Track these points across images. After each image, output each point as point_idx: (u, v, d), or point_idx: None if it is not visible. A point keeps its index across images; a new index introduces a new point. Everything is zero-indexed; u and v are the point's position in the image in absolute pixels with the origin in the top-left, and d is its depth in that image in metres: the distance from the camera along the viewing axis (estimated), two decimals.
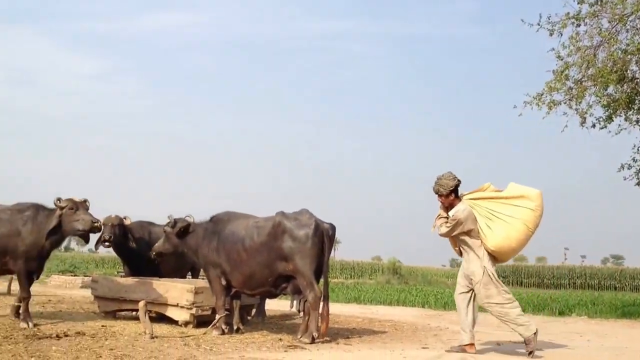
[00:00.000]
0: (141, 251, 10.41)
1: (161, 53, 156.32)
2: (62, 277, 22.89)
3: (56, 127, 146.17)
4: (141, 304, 8.47)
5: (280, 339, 8.45)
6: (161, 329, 8.84)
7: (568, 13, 12.77)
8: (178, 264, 11.05)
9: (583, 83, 12.90)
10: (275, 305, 12.94)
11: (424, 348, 8.28)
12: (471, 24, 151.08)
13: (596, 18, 12.71)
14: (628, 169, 13.95)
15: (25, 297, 8.97)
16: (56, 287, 20.55)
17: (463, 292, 7.93)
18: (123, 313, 10.35)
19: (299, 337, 8.29)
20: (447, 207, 7.86)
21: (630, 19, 12.48)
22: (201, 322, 9.20)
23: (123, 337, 7.96)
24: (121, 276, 12.78)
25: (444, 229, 7.78)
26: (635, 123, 13.52)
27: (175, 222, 9.22)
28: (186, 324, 9.25)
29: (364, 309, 15.70)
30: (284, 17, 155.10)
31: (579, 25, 12.79)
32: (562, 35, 12.98)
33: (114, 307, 10.21)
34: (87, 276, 23.18)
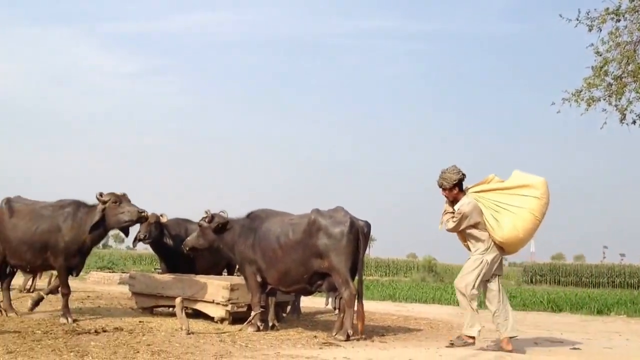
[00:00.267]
0: (178, 248, 10.49)
1: (201, 52, 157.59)
2: (100, 273, 23.21)
3: (94, 126, 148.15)
4: (178, 300, 8.54)
5: (315, 336, 8.46)
6: (197, 325, 8.91)
7: (607, 8, 12.55)
8: (214, 261, 11.11)
9: (623, 79, 12.70)
10: (310, 303, 12.98)
11: (460, 346, 8.22)
12: (506, 21, 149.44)
13: (636, 13, 12.49)
14: None
15: (65, 293, 9.08)
16: (95, 283, 20.83)
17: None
18: (160, 309, 10.44)
19: (334, 334, 8.29)
20: (452, 202, 7.85)
21: None
22: (237, 318, 9.23)
23: (160, 333, 8.04)
24: (158, 273, 12.91)
25: (451, 224, 7.77)
26: None
27: (213, 217, 9.23)
28: (222, 320, 9.30)
29: (399, 306, 15.66)
30: (323, 16, 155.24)
31: (618, 21, 12.57)
32: (601, 30, 12.77)
33: (151, 303, 10.32)
34: (124, 273, 23.47)
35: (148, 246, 11.52)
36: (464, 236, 7.91)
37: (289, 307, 10.82)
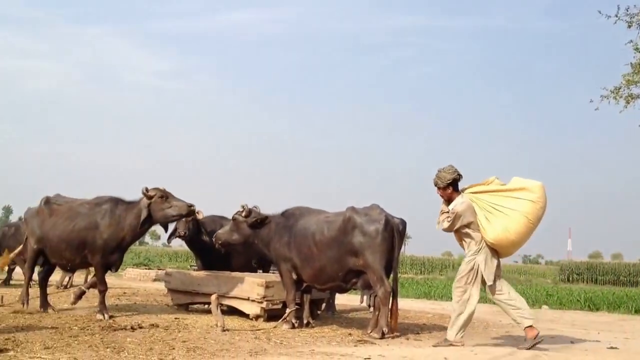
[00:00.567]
0: (214, 245, 10.53)
1: (239, 50, 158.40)
2: (136, 270, 23.44)
3: (133, 124, 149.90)
4: (213, 297, 8.57)
5: (350, 334, 8.43)
6: (232, 322, 8.93)
7: None
8: (249, 258, 11.13)
9: None
10: (345, 300, 12.95)
11: (495, 345, 8.14)
12: (545, 18, 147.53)
13: None
14: None
15: (102, 289, 9.15)
16: (131, 279, 21.07)
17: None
18: (195, 306, 10.49)
19: (368, 332, 8.24)
20: (447, 201, 7.80)
21: None
22: (272, 315, 9.24)
23: (195, 330, 8.07)
24: (194, 270, 12.99)
25: (446, 224, 7.70)
26: None
27: (250, 211, 9.22)
28: (257, 317, 9.31)
29: (435, 304, 15.56)
30: (363, 13, 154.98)
31: None
32: None
33: (186, 300, 10.36)
34: (160, 269, 23.68)
35: (183, 243, 11.57)
36: (460, 236, 7.85)
37: (323, 305, 10.80)
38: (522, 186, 7.60)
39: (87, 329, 7.69)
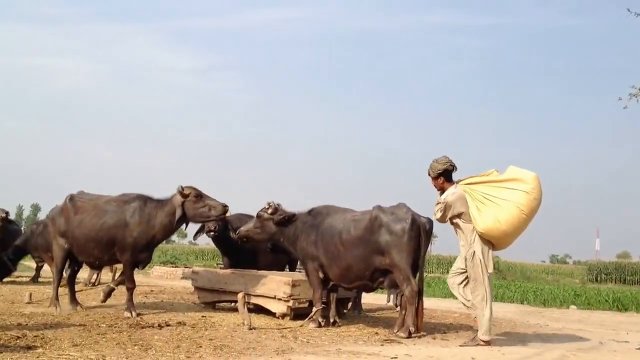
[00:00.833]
0: (240, 243, 10.53)
1: (266, 48, 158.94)
2: (163, 268, 23.58)
3: (158, 122, 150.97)
4: (240, 295, 8.58)
5: (377, 333, 8.40)
6: (259, 320, 8.93)
7: None
8: (276, 256, 11.13)
9: None
10: (372, 299, 12.90)
11: (523, 345, 8.05)
12: (571, 16, 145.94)
13: None
14: None
15: (130, 287, 9.20)
16: (158, 277, 21.19)
17: (454, 274, 7.92)
18: (222, 304, 10.51)
19: (395, 331, 8.21)
20: (441, 192, 7.84)
21: None
22: (298, 314, 9.23)
23: (222, 328, 8.09)
24: (220, 268, 13.01)
25: (438, 214, 7.74)
26: None
27: (277, 209, 9.21)
28: (283, 316, 9.31)
29: (461, 304, 15.43)
30: (389, 11, 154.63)
31: None
32: None
33: (213, 298, 10.39)
34: (187, 267, 23.80)
35: (210, 241, 11.60)
36: (455, 227, 7.87)
37: (350, 304, 10.78)
38: (516, 177, 7.56)
39: (115, 327, 7.74)
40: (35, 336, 6.64)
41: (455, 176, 7.90)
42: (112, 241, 9.17)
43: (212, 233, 10.79)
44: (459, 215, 7.66)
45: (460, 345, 7.57)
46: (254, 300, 9.59)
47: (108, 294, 9.78)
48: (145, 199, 9.29)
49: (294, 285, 9.25)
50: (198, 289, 10.71)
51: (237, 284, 9.76)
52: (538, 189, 7.51)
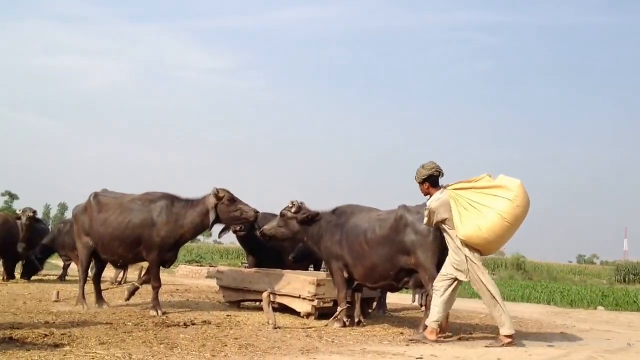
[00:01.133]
0: (266, 243, 10.55)
1: (291, 47, 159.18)
2: (188, 267, 23.71)
3: (186, 121, 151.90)
4: (265, 294, 8.59)
5: (402, 333, 8.37)
6: (283, 319, 8.94)
7: None
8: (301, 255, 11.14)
9: None
10: (397, 299, 12.87)
11: (549, 346, 7.97)
12: (603, 13, 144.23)
13: None
14: None
15: (156, 286, 9.23)
16: (183, 276, 21.31)
17: (441, 280, 7.84)
18: (247, 303, 10.54)
19: (420, 331, 8.17)
20: (428, 197, 7.94)
21: None
22: (323, 314, 9.23)
23: (247, 327, 8.10)
24: (245, 267, 13.05)
25: (424, 220, 7.82)
26: None
27: (300, 207, 9.21)
28: (308, 315, 9.30)
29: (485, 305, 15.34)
30: (412, 9, 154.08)
31: None
32: None
33: (238, 297, 10.42)
34: (212, 266, 23.92)
35: (234, 240, 11.64)
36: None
37: (375, 303, 10.75)
38: (501, 184, 7.55)
39: (141, 325, 7.78)
40: (62, 334, 6.70)
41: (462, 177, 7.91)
42: (137, 240, 9.20)
43: (239, 233, 10.82)
44: (443, 221, 7.72)
45: (486, 346, 7.51)
46: (278, 299, 9.60)
47: (132, 292, 9.83)
48: (172, 198, 9.31)
49: (318, 284, 9.24)
50: (223, 287, 10.75)
51: (261, 283, 9.78)
52: (522, 197, 7.48)
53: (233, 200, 9.15)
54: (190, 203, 9.25)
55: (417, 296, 11.58)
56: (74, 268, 14.72)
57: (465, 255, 7.61)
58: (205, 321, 8.32)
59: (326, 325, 8.54)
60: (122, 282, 14.71)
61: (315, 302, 9.25)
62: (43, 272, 16.50)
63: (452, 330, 8.44)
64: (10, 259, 15.32)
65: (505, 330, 7.57)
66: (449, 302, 7.83)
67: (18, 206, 26.42)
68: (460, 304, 13.93)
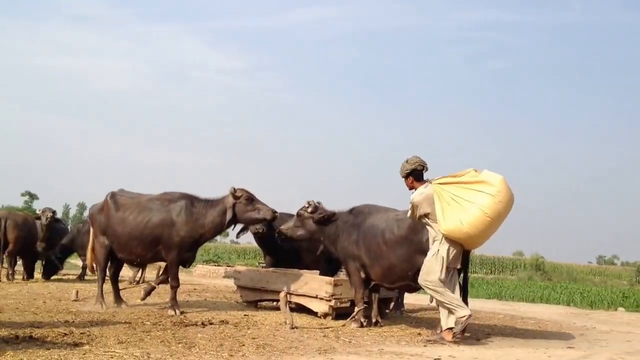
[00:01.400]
0: (283, 243, 10.55)
1: (304, 48, 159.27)
2: (206, 266, 23.80)
3: (202, 122, 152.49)
4: (282, 294, 8.60)
5: (419, 334, 8.34)
6: (301, 319, 8.94)
7: None
8: (317, 256, 11.13)
9: None
10: (414, 300, 12.84)
11: (569, 348, 7.92)
12: (626, 11, 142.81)
13: None
14: None
15: (175, 285, 9.25)
16: (201, 276, 21.39)
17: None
18: (264, 303, 10.56)
19: (438, 331, 8.13)
20: (412, 191, 8.06)
21: None
22: (340, 314, 9.22)
23: (264, 327, 8.11)
24: (262, 267, 13.07)
25: (409, 214, 7.97)
26: None
27: (317, 207, 9.20)
28: (325, 315, 9.30)
29: (505, 305, 15.31)
30: (429, 9, 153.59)
31: None
32: None
33: (255, 297, 10.43)
34: (229, 266, 23.99)
35: (252, 240, 11.65)
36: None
37: (392, 304, 10.73)
38: (484, 179, 7.59)
39: (159, 325, 7.82)
40: (81, 333, 6.74)
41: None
42: (156, 240, 9.23)
43: (259, 233, 10.85)
44: (426, 216, 7.80)
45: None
46: (295, 299, 9.61)
47: (148, 292, 9.87)
48: (191, 198, 9.33)
49: (335, 284, 9.24)
50: (240, 287, 10.78)
51: (278, 283, 9.78)
52: (504, 192, 7.52)
53: (251, 199, 9.16)
54: (210, 203, 9.28)
55: None
56: None
57: (438, 250, 7.72)
58: (222, 321, 8.34)
59: (343, 326, 8.53)
60: (140, 282, 14.79)
61: (332, 303, 9.24)
62: (63, 271, 16.64)
63: (470, 331, 8.40)
64: (30, 258, 15.47)
65: (447, 325, 7.69)
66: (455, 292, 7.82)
67: (38, 206, 26.59)
68: (478, 304, 13.90)
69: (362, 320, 8.64)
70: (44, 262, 15.73)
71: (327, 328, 8.34)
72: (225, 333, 7.36)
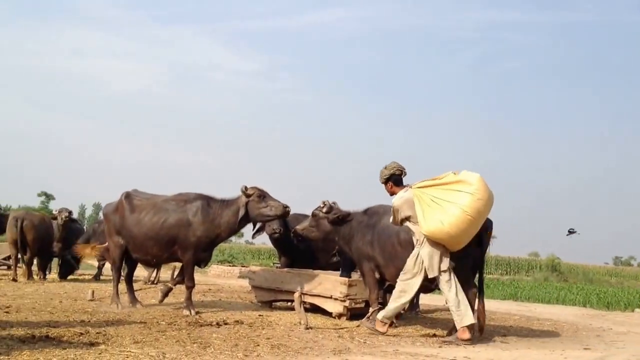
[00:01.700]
0: (298, 243, 10.56)
1: (318, 49, 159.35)
2: (220, 267, 23.84)
3: (219, 123, 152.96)
4: (296, 294, 8.60)
5: (435, 335, 8.32)
6: (315, 320, 8.93)
7: None
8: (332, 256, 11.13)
9: None
10: (429, 300, 12.80)
11: (585, 349, 7.87)
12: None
13: None
14: None
15: (190, 286, 9.28)
16: (215, 276, 21.43)
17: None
18: (279, 303, 10.56)
19: (453, 332, 8.10)
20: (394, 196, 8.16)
21: None
22: (354, 314, 9.21)
23: (279, 327, 8.12)
24: (277, 267, 13.08)
25: (391, 218, 8.09)
26: None
27: (331, 207, 9.19)
28: (339, 316, 9.29)
29: (521, 306, 15.21)
30: (442, 9, 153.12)
31: None
32: None
33: (270, 297, 10.44)
34: (244, 266, 24.02)
35: (266, 240, 11.67)
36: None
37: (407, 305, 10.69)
38: (462, 179, 7.67)
39: (175, 324, 7.84)
40: (97, 333, 6.78)
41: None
42: (173, 240, 9.24)
43: (276, 235, 10.87)
44: (407, 219, 7.91)
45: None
46: (310, 299, 9.61)
47: (166, 293, 9.90)
48: (207, 199, 9.35)
49: (350, 285, 9.23)
50: (255, 287, 10.79)
51: (293, 284, 9.78)
52: (482, 190, 7.60)
53: (263, 197, 9.16)
54: (225, 203, 9.29)
55: None
56: (108, 267, 14.86)
57: (418, 253, 7.83)
58: (237, 321, 8.36)
59: (358, 326, 8.51)
60: (155, 282, 14.84)
61: (347, 303, 9.24)
62: (79, 271, 16.73)
63: (485, 332, 8.36)
64: (46, 258, 15.57)
65: (382, 318, 7.98)
66: (459, 290, 7.85)
67: (54, 206, 26.75)
68: (494, 305, 13.84)
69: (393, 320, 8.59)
70: (60, 262, 15.83)
71: (342, 329, 8.33)
72: (240, 333, 7.38)
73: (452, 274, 7.81)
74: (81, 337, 6.48)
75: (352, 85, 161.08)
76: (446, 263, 7.80)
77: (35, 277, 14.82)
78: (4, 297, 10.38)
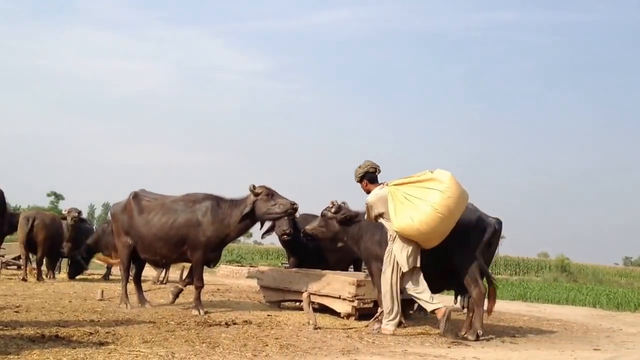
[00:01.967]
0: (307, 244, 10.56)
1: (327, 50, 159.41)
2: (229, 267, 23.88)
3: (226, 123, 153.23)
4: (305, 295, 8.59)
5: (444, 335, 8.30)
6: (324, 320, 8.93)
7: None
8: (340, 256, 11.13)
9: None
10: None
11: (595, 350, 7.84)
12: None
13: None
14: None
15: (199, 286, 9.29)
16: (224, 276, 21.47)
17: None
18: (287, 303, 10.56)
19: (462, 333, 8.10)
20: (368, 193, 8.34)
21: None
22: (363, 314, 9.21)
23: (288, 327, 8.12)
24: (285, 267, 13.09)
25: (365, 215, 8.28)
26: None
27: (340, 207, 9.18)
28: (348, 316, 9.29)
29: (530, 307, 15.18)
30: (451, 9, 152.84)
31: None
32: None
33: (278, 297, 10.44)
34: (252, 266, 24.05)
35: (275, 240, 11.67)
36: None
37: (416, 305, 10.67)
38: (434, 177, 7.79)
39: (183, 324, 7.85)
40: (107, 332, 6.79)
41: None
42: (182, 240, 9.24)
43: (285, 237, 10.88)
44: (381, 215, 8.08)
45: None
46: (318, 299, 9.60)
47: (176, 295, 9.92)
48: (216, 199, 9.35)
49: (358, 285, 9.22)
50: (263, 287, 10.79)
51: (301, 284, 9.79)
52: (453, 188, 7.69)
53: (271, 195, 9.16)
54: (234, 203, 9.29)
55: (459, 298, 11.49)
56: (117, 267, 14.93)
57: (391, 249, 7.97)
58: (246, 321, 8.36)
59: (367, 326, 8.50)
60: (164, 282, 14.87)
61: (355, 303, 9.23)
62: (88, 271, 16.79)
63: (495, 332, 8.35)
64: (55, 258, 15.64)
65: (387, 325, 8.08)
66: (422, 285, 8.03)
67: (63, 206, 26.84)
68: (503, 305, 13.81)
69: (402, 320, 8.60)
70: (69, 262, 15.89)
71: (351, 329, 8.32)
72: (249, 333, 7.38)
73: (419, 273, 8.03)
74: (91, 337, 6.50)
75: (355, 86, 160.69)
76: (417, 259, 7.94)
77: (44, 277, 14.86)
78: (14, 296, 10.42)
